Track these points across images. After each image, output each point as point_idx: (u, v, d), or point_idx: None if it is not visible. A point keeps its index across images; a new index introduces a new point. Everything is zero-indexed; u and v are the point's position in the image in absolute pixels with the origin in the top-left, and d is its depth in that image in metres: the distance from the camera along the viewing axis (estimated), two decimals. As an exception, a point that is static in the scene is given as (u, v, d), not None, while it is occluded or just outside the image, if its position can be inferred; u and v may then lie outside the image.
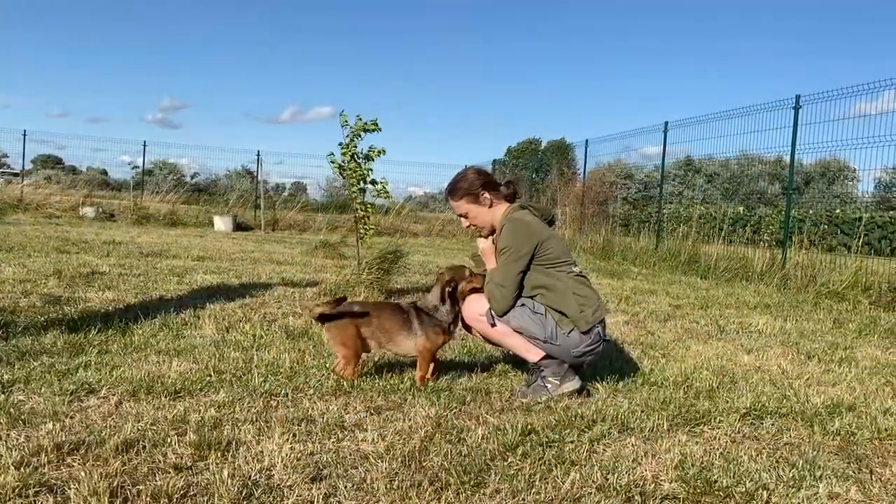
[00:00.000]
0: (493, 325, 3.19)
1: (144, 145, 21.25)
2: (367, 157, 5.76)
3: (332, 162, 5.88)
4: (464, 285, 3.29)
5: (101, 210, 16.89)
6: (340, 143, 5.77)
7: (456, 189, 3.35)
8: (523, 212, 3.28)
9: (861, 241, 10.43)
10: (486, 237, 3.38)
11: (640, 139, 14.67)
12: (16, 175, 24.12)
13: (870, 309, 7.10)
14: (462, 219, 3.43)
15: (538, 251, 3.15)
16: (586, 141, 16.26)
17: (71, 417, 2.48)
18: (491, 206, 3.32)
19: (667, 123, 12.84)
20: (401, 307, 3.32)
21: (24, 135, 19.95)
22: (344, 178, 5.97)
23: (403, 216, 20.03)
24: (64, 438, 2.23)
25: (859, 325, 5.82)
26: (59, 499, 1.88)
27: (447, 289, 3.24)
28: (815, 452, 2.60)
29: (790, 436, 2.79)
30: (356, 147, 5.74)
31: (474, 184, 3.31)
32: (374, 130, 5.69)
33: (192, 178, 30.93)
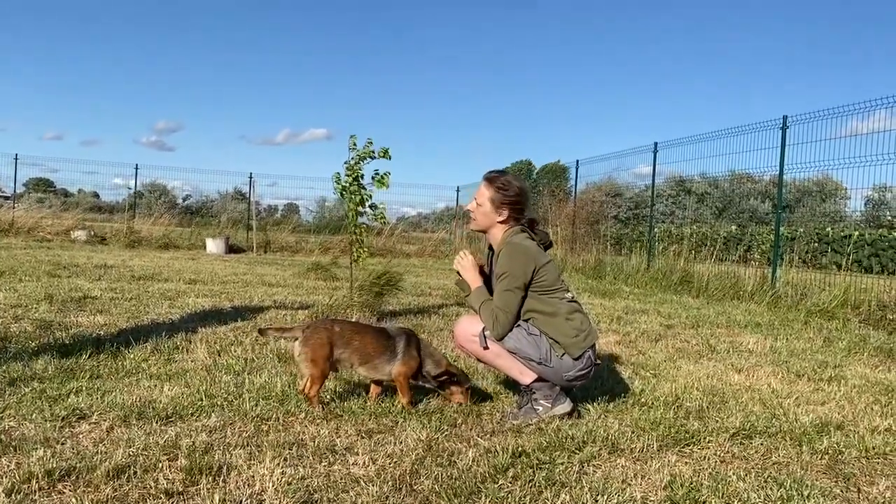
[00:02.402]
0: (486, 346, 3.20)
1: (136, 168, 21.29)
2: (381, 182, 5.79)
3: (337, 182, 5.91)
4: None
5: (92, 233, 16.85)
6: (346, 163, 5.81)
7: (496, 181, 3.30)
8: (522, 235, 3.29)
9: (851, 258, 10.53)
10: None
11: (630, 160, 14.84)
12: (7, 199, 24.08)
13: (859, 327, 7.15)
14: (474, 200, 3.38)
15: (534, 277, 3.16)
16: (577, 161, 16.43)
17: (62, 443, 2.48)
18: (503, 222, 3.32)
19: (656, 144, 13.00)
20: (386, 332, 3.30)
21: (16, 159, 19.99)
22: (344, 199, 5.99)
23: (396, 237, 20.06)
24: (55, 465, 2.23)
25: (849, 344, 5.86)
26: (50, 526, 1.88)
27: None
28: (803, 471, 2.63)
29: (779, 455, 2.81)
30: (360, 170, 5.80)
31: (513, 194, 3.29)
32: (384, 157, 5.75)
33: (185, 199, 30.95)
